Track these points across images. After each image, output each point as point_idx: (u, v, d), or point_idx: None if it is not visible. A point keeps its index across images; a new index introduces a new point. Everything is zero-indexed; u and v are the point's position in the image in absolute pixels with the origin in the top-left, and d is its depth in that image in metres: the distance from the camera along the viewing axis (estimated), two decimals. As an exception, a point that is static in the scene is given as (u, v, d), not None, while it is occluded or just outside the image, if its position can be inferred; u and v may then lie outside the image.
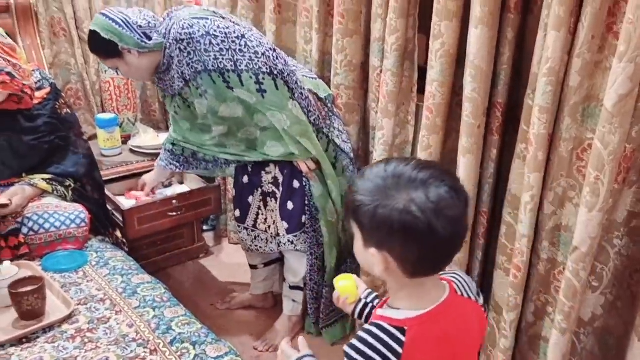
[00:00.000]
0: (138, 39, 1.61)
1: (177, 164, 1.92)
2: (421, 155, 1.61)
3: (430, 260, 0.81)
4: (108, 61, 1.69)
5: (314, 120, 1.75)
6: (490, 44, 1.38)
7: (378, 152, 1.80)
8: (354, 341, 0.82)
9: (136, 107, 2.58)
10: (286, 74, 1.65)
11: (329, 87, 1.90)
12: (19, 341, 1.22)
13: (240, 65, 1.57)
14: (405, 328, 0.80)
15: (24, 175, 1.68)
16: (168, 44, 1.62)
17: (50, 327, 1.27)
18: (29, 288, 1.27)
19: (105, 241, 1.74)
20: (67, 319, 1.30)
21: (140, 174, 2.16)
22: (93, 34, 1.64)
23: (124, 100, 2.49)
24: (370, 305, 1.07)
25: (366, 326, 0.84)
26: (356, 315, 1.09)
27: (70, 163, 1.74)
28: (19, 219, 1.55)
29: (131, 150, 2.39)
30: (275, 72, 1.62)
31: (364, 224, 0.80)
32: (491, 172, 1.56)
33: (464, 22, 1.44)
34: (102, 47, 1.64)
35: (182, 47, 1.58)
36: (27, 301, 1.26)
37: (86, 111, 2.49)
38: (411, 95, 1.72)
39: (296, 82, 1.69)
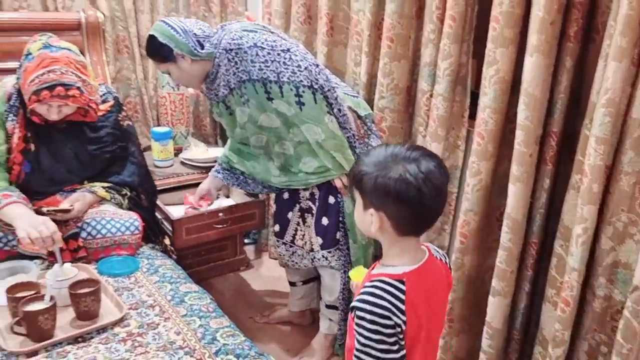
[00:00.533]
0: (192, 46, 1.70)
1: (235, 181, 1.98)
2: (471, 181, 1.61)
3: (417, 220, 1.00)
4: (162, 65, 1.76)
5: (349, 137, 1.78)
6: (546, 72, 1.37)
7: (425, 175, 1.80)
8: (363, 296, 0.97)
9: (189, 121, 2.68)
10: (326, 89, 1.71)
11: (373, 110, 1.92)
12: (74, 340, 1.28)
13: (282, 77, 1.64)
14: (404, 280, 0.98)
15: (85, 182, 1.77)
16: (218, 54, 1.70)
17: (103, 329, 1.32)
18: (86, 290, 1.33)
19: (155, 249, 1.81)
20: (119, 322, 1.35)
21: (189, 186, 2.22)
22: (151, 38, 1.73)
23: (178, 114, 2.59)
24: None
25: (369, 284, 0.99)
26: None
27: (128, 172, 1.83)
28: (79, 224, 1.63)
29: (182, 163, 2.48)
30: (316, 86, 1.67)
31: (365, 189, 0.99)
32: (543, 202, 1.54)
33: (520, 49, 1.44)
34: (158, 51, 1.72)
35: (230, 57, 1.67)
36: (84, 302, 1.32)
37: (142, 124, 2.60)
38: (462, 120, 1.72)
39: (336, 99, 1.74)
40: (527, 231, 1.58)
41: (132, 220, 1.71)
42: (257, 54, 1.64)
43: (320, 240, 1.85)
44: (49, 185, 1.72)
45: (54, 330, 1.27)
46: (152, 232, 1.87)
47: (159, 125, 2.63)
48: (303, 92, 1.66)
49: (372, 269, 1.08)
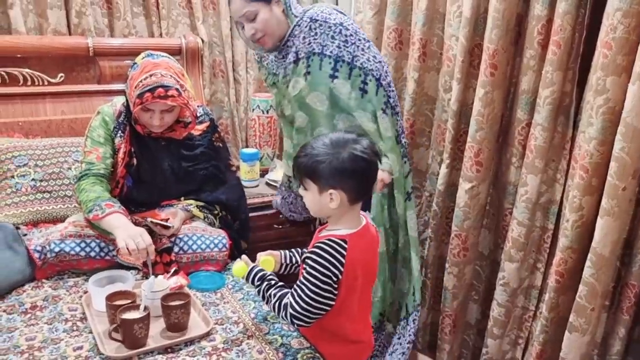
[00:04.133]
0: None
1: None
2: (571, 216, 1.51)
3: (365, 188, 1.26)
4: (253, 4, 1.71)
5: (405, 143, 1.85)
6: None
7: (519, 209, 1.71)
8: (314, 250, 1.23)
9: (275, 143, 2.74)
10: (391, 89, 1.77)
11: (467, 141, 1.87)
12: (164, 350, 1.32)
13: (356, 61, 1.70)
14: (347, 240, 1.23)
15: (182, 199, 1.86)
16: (301, 22, 1.73)
17: (191, 341, 1.36)
18: (177, 302, 1.38)
19: (240, 267, 1.84)
20: (206, 336, 1.38)
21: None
22: None
23: (266, 136, 2.67)
24: (290, 264, 1.47)
25: (319, 242, 1.24)
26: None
27: (221, 191, 1.89)
28: (172, 239, 1.70)
29: (267, 184, 2.53)
30: (382, 82, 1.74)
31: (322, 175, 1.21)
32: (644, 242, 1.42)
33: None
34: None
35: (313, 26, 1.71)
36: (175, 314, 1.36)
37: (232, 145, 2.70)
38: (563, 152, 1.63)
39: (396, 104, 1.79)
40: (625, 272, 1.48)
41: (220, 238, 1.77)
42: (340, 32, 1.69)
43: None
44: (148, 198, 1.81)
45: (146, 339, 1.32)
46: (239, 251, 1.91)
47: (247, 146, 2.72)
48: (370, 80, 1.72)
49: (319, 232, 1.33)
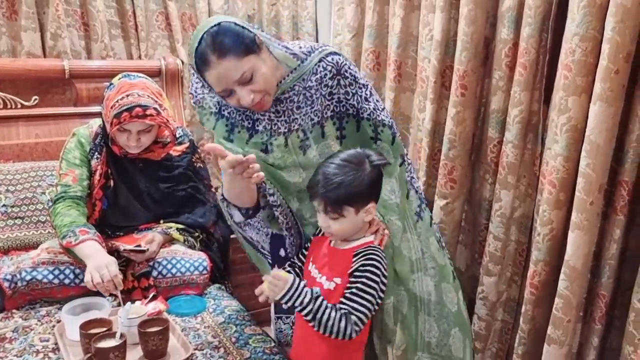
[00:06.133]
0: (267, 36, 1.34)
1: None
2: (542, 230, 1.55)
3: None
4: (245, 59, 1.26)
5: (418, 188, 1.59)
6: (611, 121, 1.34)
7: (494, 224, 1.75)
8: (372, 259, 1.25)
9: (257, 163, 2.76)
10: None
11: (441, 160, 1.89)
12: (142, 378, 1.32)
13: (393, 124, 1.49)
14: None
15: (161, 222, 1.85)
16: (318, 68, 1.36)
17: (169, 368, 1.36)
18: (155, 328, 1.36)
19: (222, 289, 1.84)
20: (185, 362, 1.38)
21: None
22: (225, 28, 1.25)
23: (247, 156, 2.68)
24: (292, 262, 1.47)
25: (370, 252, 1.27)
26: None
27: (200, 213, 1.90)
28: (151, 263, 1.70)
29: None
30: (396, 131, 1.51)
31: (359, 196, 1.24)
32: (613, 253, 1.47)
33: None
34: (241, 38, 1.26)
35: (344, 83, 1.38)
36: (153, 341, 1.35)
37: (214, 165, 2.71)
38: (533, 168, 1.67)
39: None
40: (595, 283, 1.52)
41: (200, 260, 1.76)
42: (371, 94, 1.44)
43: None
44: (124, 221, 1.81)
45: (123, 368, 1.31)
46: (220, 274, 1.91)
47: (229, 166, 2.72)
48: (397, 135, 1.48)
49: (329, 244, 1.35)
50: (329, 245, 1.36)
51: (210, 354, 1.43)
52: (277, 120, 1.40)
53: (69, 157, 1.77)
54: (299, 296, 1.22)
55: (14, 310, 1.59)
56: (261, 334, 1.55)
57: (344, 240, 1.33)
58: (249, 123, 1.42)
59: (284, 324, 1.61)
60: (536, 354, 1.67)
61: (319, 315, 1.20)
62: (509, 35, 1.63)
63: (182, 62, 2.47)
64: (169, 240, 1.82)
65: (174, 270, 1.71)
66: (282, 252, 1.55)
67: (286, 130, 1.40)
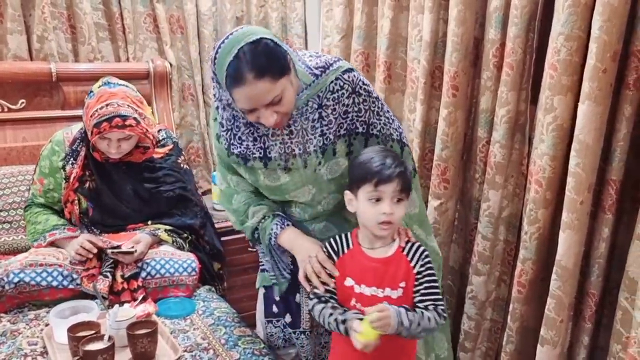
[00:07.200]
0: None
1: None
2: (529, 229, 1.56)
3: None
4: (279, 82, 1.18)
5: None
6: (599, 120, 1.34)
7: (483, 224, 1.76)
8: (422, 248, 1.28)
9: (247, 165, 2.75)
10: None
11: (434, 158, 1.90)
12: (130, 381, 1.31)
13: (403, 137, 1.43)
14: None
15: (149, 222, 1.85)
16: (335, 87, 1.30)
17: (158, 371, 1.35)
18: (143, 331, 1.36)
19: (211, 291, 1.84)
20: (174, 364, 1.37)
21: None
22: (266, 45, 1.17)
23: (237, 158, 2.68)
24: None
25: (416, 245, 1.27)
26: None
27: (189, 215, 1.89)
28: (140, 264, 1.69)
29: (239, 206, 2.53)
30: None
31: (410, 178, 1.26)
32: (602, 252, 1.48)
33: (578, 97, 1.42)
34: (277, 59, 1.18)
35: (358, 100, 1.32)
36: (141, 343, 1.34)
37: (204, 168, 2.70)
38: (521, 168, 1.68)
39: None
40: (585, 282, 1.52)
41: (189, 262, 1.76)
42: (382, 107, 1.38)
43: None
44: (111, 220, 1.82)
45: (112, 370, 1.31)
46: (210, 275, 1.91)
47: (218, 169, 2.72)
48: (409, 152, 1.46)
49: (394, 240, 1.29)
50: (372, 258, 1.26)
51: (199, 355, 1.42)
52: (291, 143, 1.33)
53: (42, 164, 1.82)
54: (405, 316, 1.17)
55: (1, 314, 1.58)
56: (250, 336, 1.54)
57: (380, 247, 1.26)
58: (260, 153, 1.35)
59: (275, 327, 1.59)
60: (526, 354, 1.68)
61: (424, 323, 1.18)
62: (496, 35, 1.65)
63: (171, 65, 2.46)
64: (158, 242, 1.81)
65: (162, 271, 1.70)
66: None
67: (301, 151, 1.33)
